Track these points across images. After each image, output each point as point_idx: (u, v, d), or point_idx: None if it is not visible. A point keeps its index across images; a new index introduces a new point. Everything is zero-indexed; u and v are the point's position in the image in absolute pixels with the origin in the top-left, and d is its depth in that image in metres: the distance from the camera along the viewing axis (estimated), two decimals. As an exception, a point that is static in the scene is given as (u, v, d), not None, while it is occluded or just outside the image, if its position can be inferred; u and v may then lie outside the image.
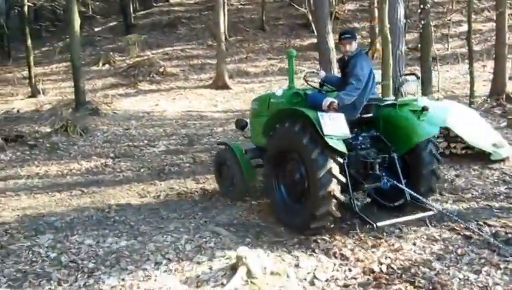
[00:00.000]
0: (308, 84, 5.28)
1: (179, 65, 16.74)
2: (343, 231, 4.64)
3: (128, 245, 4.49)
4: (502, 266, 3.79)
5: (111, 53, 17.87)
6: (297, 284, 3.69)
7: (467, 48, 13.30)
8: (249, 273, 3.66)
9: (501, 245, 4.04)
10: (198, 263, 4.03)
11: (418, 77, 5.16)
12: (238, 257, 3.76)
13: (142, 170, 7.91)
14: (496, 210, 4.98)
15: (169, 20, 21.24)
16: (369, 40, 16.92)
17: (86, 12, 16.63)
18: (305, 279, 3.76)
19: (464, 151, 6.86)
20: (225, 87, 14.49)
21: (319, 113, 4.25)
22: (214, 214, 5.42)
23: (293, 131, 4.44)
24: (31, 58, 14.63)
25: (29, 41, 14.73)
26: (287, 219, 4.73)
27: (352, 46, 4.87)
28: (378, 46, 15.78)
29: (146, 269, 3.97)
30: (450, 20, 16.13)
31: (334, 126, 4.21)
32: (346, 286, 3.65)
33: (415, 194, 4.49)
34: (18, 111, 12.78)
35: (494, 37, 12.35)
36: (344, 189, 4.30)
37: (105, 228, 5.07)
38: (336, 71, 11.65)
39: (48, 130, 10.53)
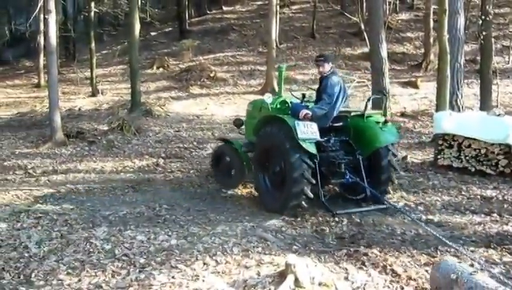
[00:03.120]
0: (292, 95, 6.38)
1: (229, 71, 16.98)
2: (395, 245, 4.53)
3: (178, 244, 4.60)
4: None
5: (165, 57, 18.36)
6: (345, 296, 3.64)
7: (530, 61, 12.67)
8: (297, 282, 3.63)
9: None
10: (246, 267, 4.06)
11: (385, 94, 6.66)
12: (287, 265, 3.74)
13: (191, 171, 8.08)
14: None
15: (221, 27, 21.62)
16: (423, 51, 16.44)
17: (144, 18, 17.24)
18: (354, 292, 3.70)
19: (526, 171, 6.53)
20: (274, 93, 14.53)
21: (296, 121, 5.27)
22: (261, 219, 5.44)
23: (276, 133, 5.50)
24: (94, 60, 15.37)
25: (92, 45, 15.49)
26: (269, 203, 5.71)
27: (325, 68, 5.85)
28: (433, 57, 15.34)
29: (195, 269, 4.05)
30: (512, 31, 15.38)
31: (307, 132, 5.21)
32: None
33: (373, 190, 5.45)
34: (79, 109, 13.46)
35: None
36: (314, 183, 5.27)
37: (156, 226, 5.23)
38: (388, 81, 11.46)
39: (105, 128, 11.01)
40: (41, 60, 16.80)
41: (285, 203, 5.40)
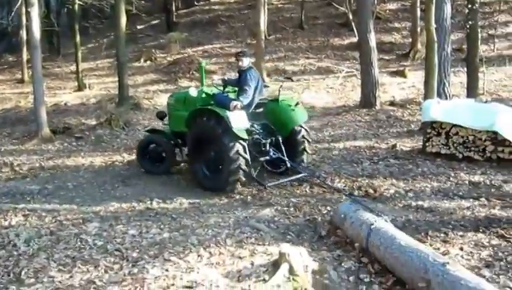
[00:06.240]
0: (214, 86, 7.09)
1: (217, 63, 16.87)
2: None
3: (170, 237, 4.59)
4: (556, 275, 3.59)
5: (153, 50, 18.19)
6: (339, 284, 3.66)
7: (515, 49, 12.78)
8: (291, 270, 3.65)
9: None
10: (240, 257, 4.06)
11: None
12: (280, 254, 3.75)
13: (181, 164, 8.02)
14: (548, 218, 4.70)
15: (209, 19, 21.45)
16: (410, 41, 16.51)
17: (130, 10, 17.00)
18: (348, 279, 3.72)
19: (512, 156, 6.61)
20: (263, 85, 14.47)
21: (228, 112, 5.97)
22: (253, 210, 5.45)
23: (209, 124, 6.14)
24: (79, 54, 15.13)
25: (77, 38, 15.24)
26: (209, 185, 6.40)
27: (244, 62, 6.64)
28: (420, 46, 15.41)
29: (188, 261, 4.04)
30: (496, 20, 15.50)
31: (239, 121, 5.95)
32: (389, 288, 3.58)
33: (292, 163, 6.46)
34: (66, 104, 13.26)
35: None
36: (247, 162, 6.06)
37: (147, 219, 5.20)
38: (377, 71, 11.51)
39: (93, 123, 10.90)
40: (25, 54, 16.51)
41: (226, 180, 6.14)
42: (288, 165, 6.46)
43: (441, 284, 3.19)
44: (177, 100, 7.38)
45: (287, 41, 18.23)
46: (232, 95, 6.76)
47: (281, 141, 6.53)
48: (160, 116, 7.80)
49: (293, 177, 6.40)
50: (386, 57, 15.90)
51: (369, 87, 11.38)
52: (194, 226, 4.88)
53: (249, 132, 6.22)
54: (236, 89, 6.91)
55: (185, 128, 6.67)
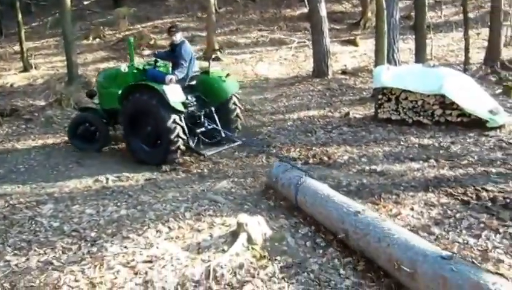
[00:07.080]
0: (146, 62, 7.17)
1: (168, 38, 16.45)
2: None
3: (128, 214, 4.58)
4: (501, 230, 3.81)
5: (101, 27, 17.48)
6: (297, 250, 3.78)
7: (460, 15, 13.21)
8: (249, 239, 3.75)
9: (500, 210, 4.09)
10: (199, 230, 4.11)
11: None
12: (238, 224, 3.83)
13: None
14: (493, 176, 4.94)
15: (159, -8, 20.75)
16: (360, 9, 16.71)
17: (74, -15, 16.16)
18: (305, 245, 3.85)
19: (459, 119, 6.86)
20: (215, 59, 14.27)
21: (164, 87, 6.07)
22: (210, 183, 5.49)
23: (145, 99, 6.17)
24: (22, 33, 14.27)
25: (19, 16, 14.37)
26: (147, 159, 6.46)
27: (177, 36, 6.71)
28: (370, 15, 15.64)
29: (147, 237, 4.05)
30: (444, -13, 15.96)
31: (175, 94, 6.08)
32: (347, 247, 3.74)
33: (228, 132, 6.68)
34: (11, 86, 12.52)
35: (489, 4, 12.25)
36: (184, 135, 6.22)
37: (104, 198, 5.15)
38: (328, 40, 11.64)
39: (42, 103, 10.42)
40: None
41: (164, 158, 6.29)
42: (223, 134, 6.64)
43: (356, 233, 3.48)
44: (107, 78, 7.34)
45: (238, 14, 17.98)
46: (163, 70, 6.84)
47: (214, 112, 6.72)
48: (90, 94, 7.69)
49: (231, 145, 6.68)
50: (337, 27, 16.04)
51: (321, 57, 11.49)
52: (151, 202, 4.87)
53: (184, 104, 6.31)
54: (167, 63, 6.99)
55: (118, 105, 6.62)
